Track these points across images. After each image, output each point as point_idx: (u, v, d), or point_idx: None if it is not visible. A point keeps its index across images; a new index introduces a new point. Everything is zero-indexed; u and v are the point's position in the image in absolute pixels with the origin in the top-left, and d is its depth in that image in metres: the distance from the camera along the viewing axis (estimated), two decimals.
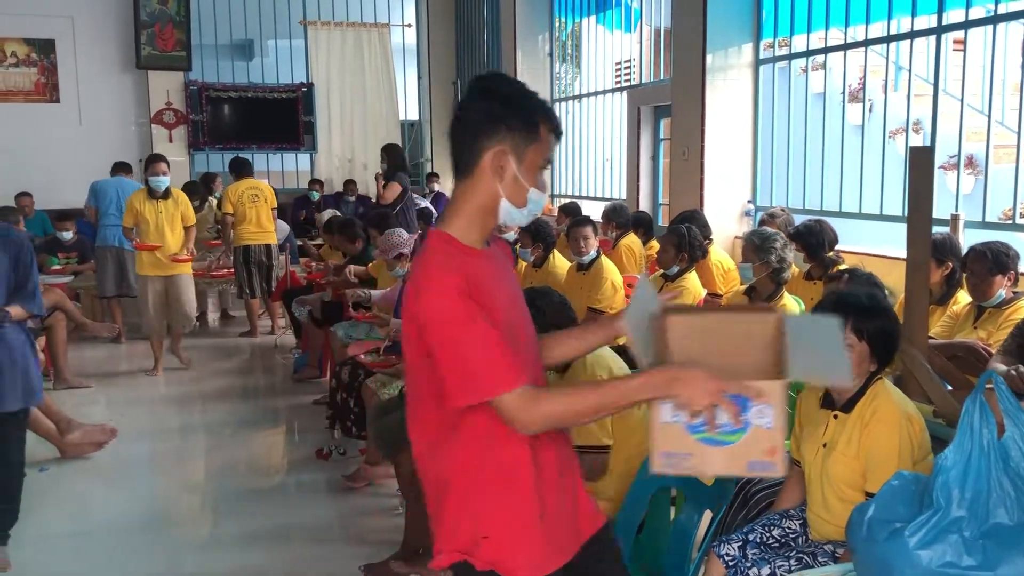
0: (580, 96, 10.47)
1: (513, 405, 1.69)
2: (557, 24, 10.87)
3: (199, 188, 9.37)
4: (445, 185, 13.18)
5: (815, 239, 4.91)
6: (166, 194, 6.95)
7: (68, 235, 8.54)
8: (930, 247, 3.14)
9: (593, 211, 7.69)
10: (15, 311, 3.71)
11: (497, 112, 1.78)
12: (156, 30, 11.69)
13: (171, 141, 12.01)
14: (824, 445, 2.61)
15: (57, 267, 8.21)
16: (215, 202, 9.34)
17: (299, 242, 9.60)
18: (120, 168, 8.77)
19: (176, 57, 11.85)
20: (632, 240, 6.75)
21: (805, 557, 2.53)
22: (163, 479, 5.07)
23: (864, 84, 6.46)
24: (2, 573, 3.79)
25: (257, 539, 4.15)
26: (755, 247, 4.42)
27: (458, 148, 1.82)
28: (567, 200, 9.53)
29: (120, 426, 5.42)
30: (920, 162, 2.95)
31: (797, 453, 2.74)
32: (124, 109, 12.04)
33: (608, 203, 7.17)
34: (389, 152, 8.87)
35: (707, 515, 2.80)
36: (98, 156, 11.13)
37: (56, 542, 4.15)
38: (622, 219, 6.81)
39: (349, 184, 11.74)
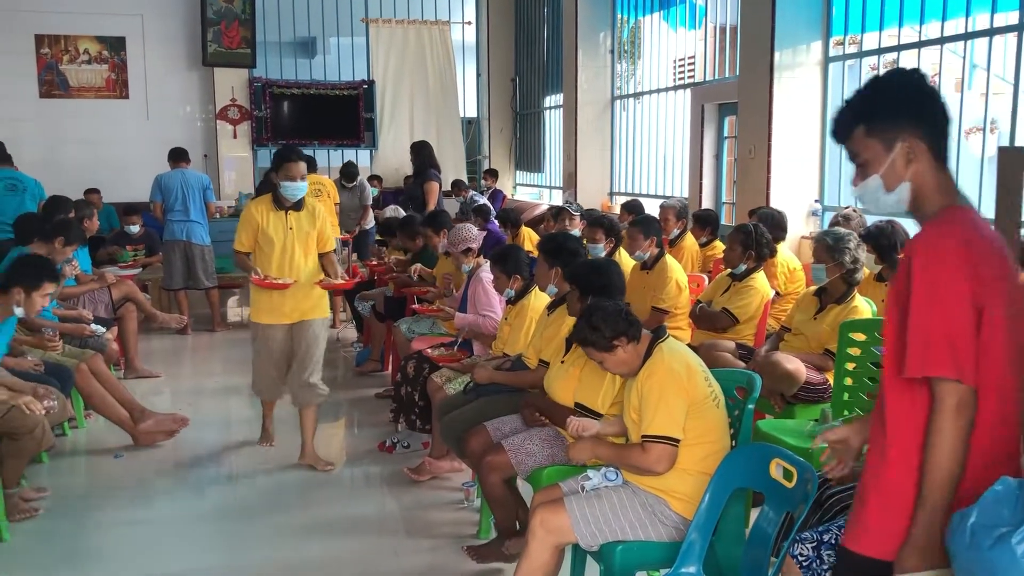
0: (642, 94, 10.40)
1: None
2: (619, 21, 10.81)
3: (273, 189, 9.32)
4: (502, 183, 13.22)
5: (887, 240, 4.82)
6: (298, 205, 4.84)
7: (135, 228, 8.72)
8: (1019, 250, 3.05)
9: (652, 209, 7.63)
10: None
11: None
12: (222, 28, 11.90)
13: (235, 137, 12.23)
14: None
15: (128, 262, 8.38)
16: None
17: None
18: (179, 157, 8.57)
19: (241, 54, 12.05)
20: (691, 240, 6.72)
21: None
22: (229, 469, 5.15)
23: (939, 82, 6.31)
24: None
25: (320, 530, 4.19)
26: (828, 247, 4.34)
27: None
28: (625, 198, 9.49)
29: (187, 416, 5.54)
30: (1009, 163, 2.87)
31: None
32: (190, 105, 12.29)
33: (675, 200, 7.11)
34: (418, 151, 8.91)
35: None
36: (164, 151, 11.31)
37: (127, 528, 4.25)
38: (685, 217, 6.80)
39: (408, 180, 11.83)
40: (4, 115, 11.07)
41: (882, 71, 6.69)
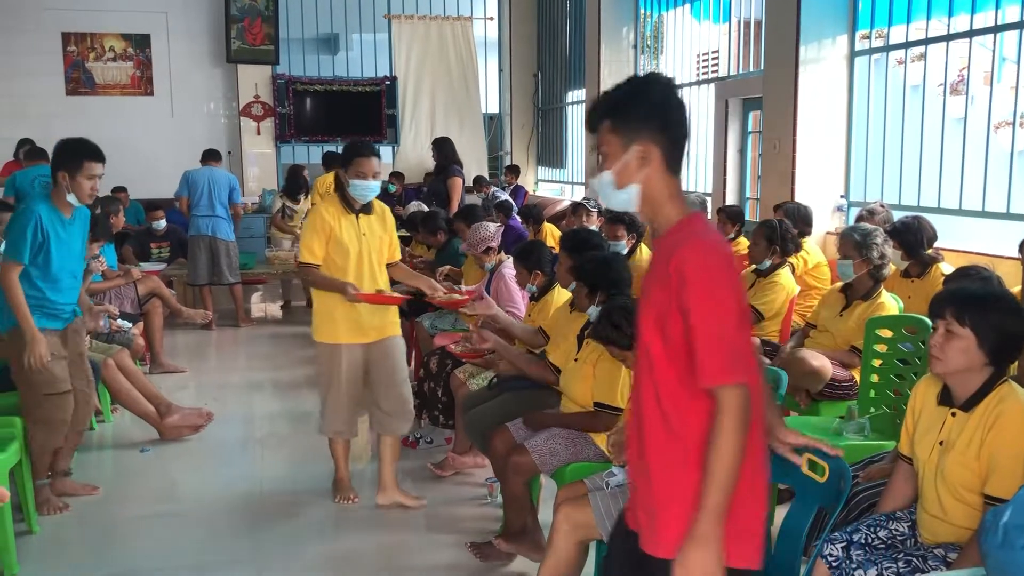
0: None
1: None
2: (642, 16, 10.77)
3: (305, 183, 9.42)
4: (524, 179, 13.20)
5: (913, 236, 4.78)
6: (368, 207, 4.22)
7: (161, 224, 8.78)
8: None
9: None
10: None
11: None
12: (245, 24, 11.97)
13: (259, 134, 12.30)
14: (940, 443, 2.53)
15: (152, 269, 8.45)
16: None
17: None
18: (210, 156, 8.80)
19: (264, 51, 12.12)
20: None
21: (914, 560, 2.46)
22: (253, 463, 5.18)
23: (968, 76, 6.23)
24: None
25: (344, 525, 4.21)
26: (855, 243, 4.30)
27: None
28: None
29: (212, 410, 5.57)
30: None
31: (908, 449, 2.66)
32: (214, 102, 12.38)
33: (694, 196, 7.09)
34: (440, 146, 8.91)
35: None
36: (188, 148, 11.47)
37: (153, 521, 4.28)
38: (706, 213, 6.77)
39: (428, 176, 11.84)
40: (32, 113, 11.21)
41: (909, 65, 6.63)
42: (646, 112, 1.92)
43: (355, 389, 4.25)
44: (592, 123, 2.00)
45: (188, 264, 8.43)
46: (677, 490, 1.91)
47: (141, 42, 11.97)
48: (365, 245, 4.12)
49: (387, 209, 4.36)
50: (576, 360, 3.64)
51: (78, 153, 4.07)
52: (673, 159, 1.95)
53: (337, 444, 4.41)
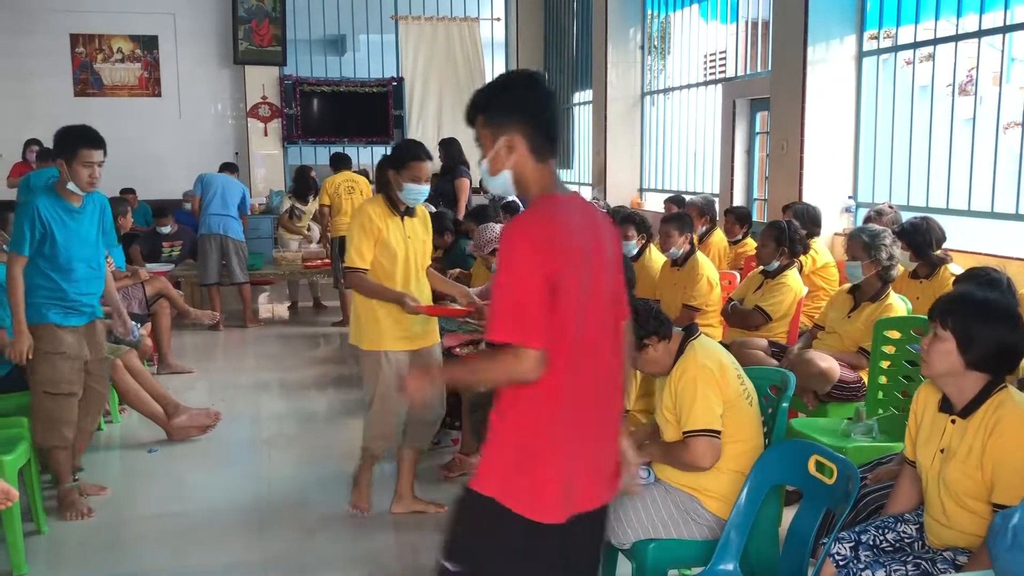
0: (672, 89, 10.33)
1: None
2: (649, 16, 10.75)
3: (314, 184, 9.44)
4: None
5: (921, 237, 4.77)
6: (411, 209, 4.06)
7: (166, 230, 8.81)
8: None
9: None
10: None
11: None
12: (253, 26, 12.00)
13: (266, 135, 12.33)
14: (941, 451, 2.52)
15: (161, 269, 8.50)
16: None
17: None
18: (227, 168, 9.02)
19: (271, 52, 12.15)
20: (719, 236, 6.70)
21: (923, 563, 2.45)
22: (260, 464, 5.18)
23: (976, 76, 6.21)
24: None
25: (352, 525, 4.20)
26: (864, 244, 4.29)
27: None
28: (655, 194, 9.44)
29: (220, 411, 5.57)
30: None
31: (912, 454, 2.66)
32: (221, 103, 12.41)
33: (699, 198, 7.09)
34: (447, 147, 8.95)
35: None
36: (196, 149, 11.52)
37: (160, 521, 4.29)
38: (711, 214, 6.80)
39: (435, 177, 11.83)
40: (40, 114, 11.23)
41: (917, 65, 6.61)
42: (509, 106, 2.13)
43: (398, 397, 3.93)
44: (470, 118, 2.21)
45: (198, 263, 8.46)
46: (492, 436, 2.15)
47: (149, 43, 12.01)
48: (411, 248, 3.98)
49: (427, 213, 4.23)
50: None
51: (75, 141, 4.06)
52: (539, 146, 2.13)
53: (372, 452, 4.23)
